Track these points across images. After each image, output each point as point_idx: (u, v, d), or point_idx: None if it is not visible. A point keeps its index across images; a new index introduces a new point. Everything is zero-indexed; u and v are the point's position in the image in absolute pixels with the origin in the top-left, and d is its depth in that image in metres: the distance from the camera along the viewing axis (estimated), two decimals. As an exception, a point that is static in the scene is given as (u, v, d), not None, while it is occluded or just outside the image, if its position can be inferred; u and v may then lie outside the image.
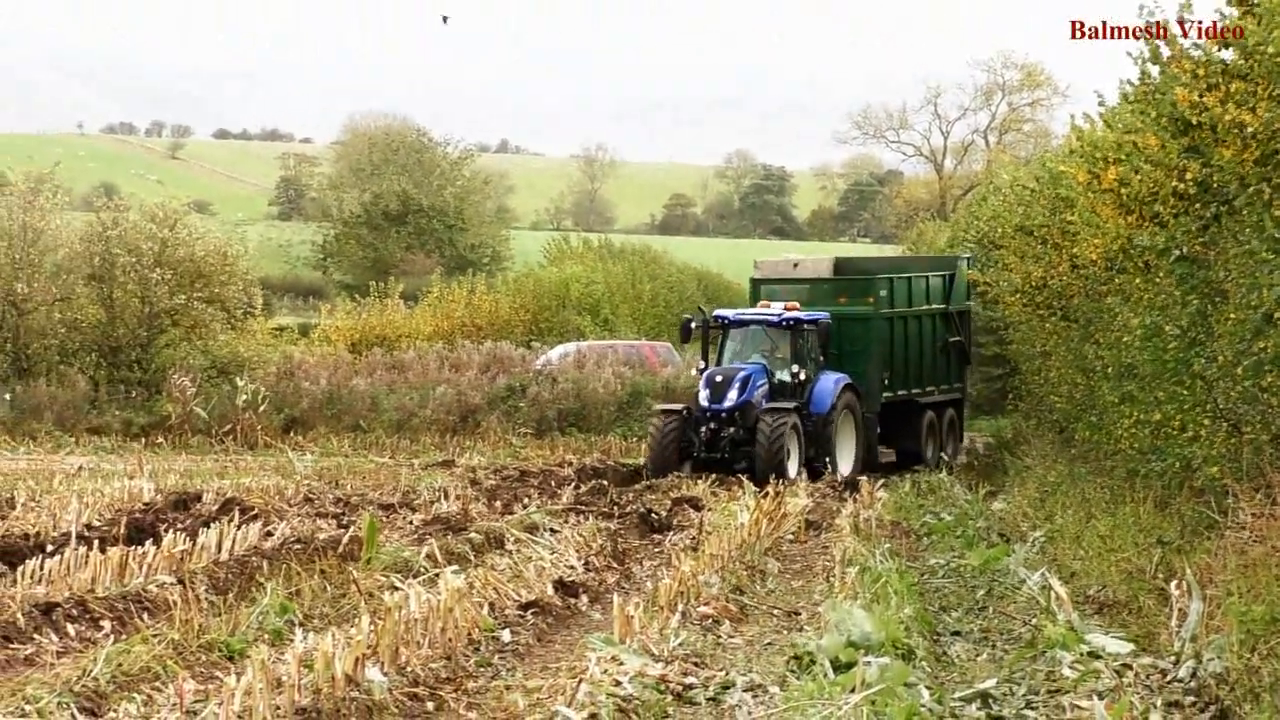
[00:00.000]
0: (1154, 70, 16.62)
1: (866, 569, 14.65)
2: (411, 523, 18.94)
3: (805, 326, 28.33)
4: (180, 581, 13.51)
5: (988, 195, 40.97)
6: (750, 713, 9.94)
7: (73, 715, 9.46)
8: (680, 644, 11.56)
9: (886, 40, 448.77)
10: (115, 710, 9.53)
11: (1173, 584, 11.95)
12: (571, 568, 15.71)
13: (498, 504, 21.41)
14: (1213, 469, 14.55)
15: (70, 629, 12.01)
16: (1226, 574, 11.68)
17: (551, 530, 18.33)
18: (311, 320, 54.51)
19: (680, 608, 12.78)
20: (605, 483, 25.07)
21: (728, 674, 10.93)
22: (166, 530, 16.00)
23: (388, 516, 19.54)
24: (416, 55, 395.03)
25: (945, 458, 31.08)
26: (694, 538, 18.21)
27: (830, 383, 28.25)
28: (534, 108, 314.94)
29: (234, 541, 15.43)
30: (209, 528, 15.83)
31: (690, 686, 10.56)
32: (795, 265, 33.37)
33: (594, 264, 53.67)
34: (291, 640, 11.05)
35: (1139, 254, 17.48)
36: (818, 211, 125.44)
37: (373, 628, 10.59)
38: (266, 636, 11.90)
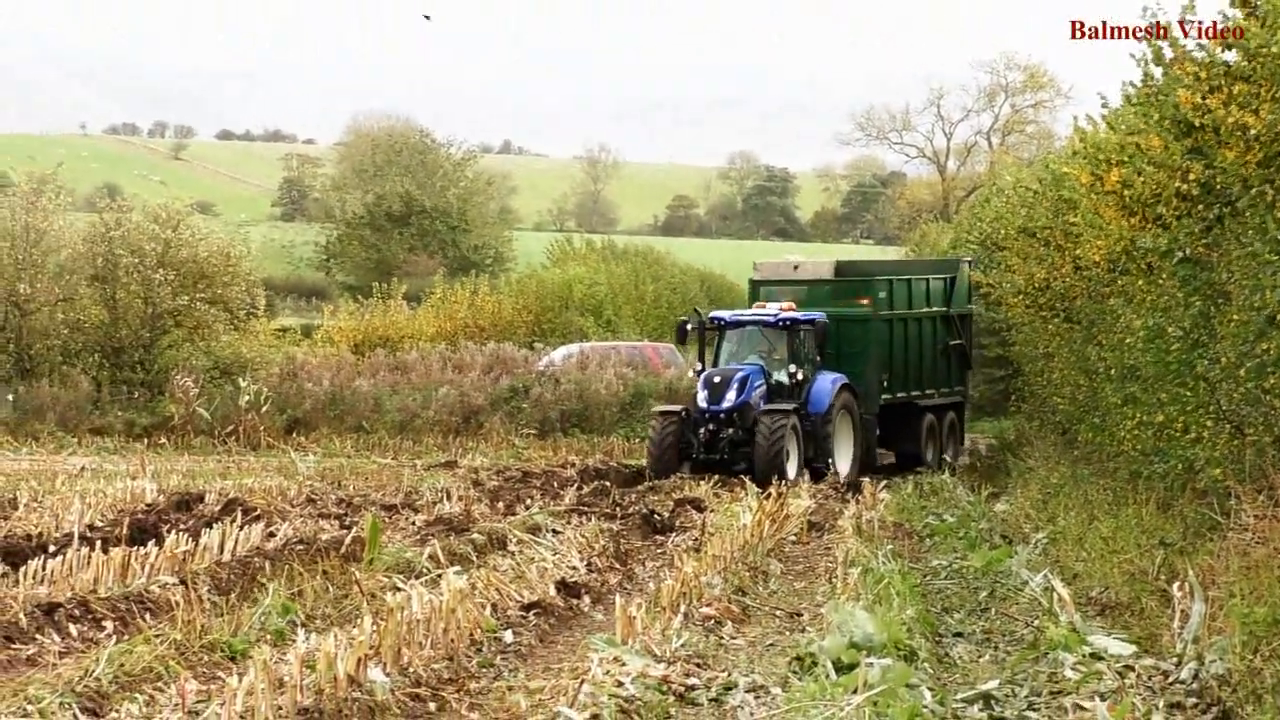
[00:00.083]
0: (1157, 72, 16.63)
1: (869, 570, 14.64)
2: (414, 523, 18.94)
3: (802, 327, 28.27)
4: (182, 582, 13.51)
5: (991, 197, 40.99)
6: (752, 714, 9.94)
7: (75, 715, 9.46)
8: (682, 645, 11.56)
9: (886, 40, 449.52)
10: (117, 710, 9.53)
11: (1175, 585, 11.95)
12: (574, 568, 15.71)
13: (500, 505, 21.41)
14: (1215, 471, 14.54)
15: (72, 629, 12.01)
16: (1229, 575, 11.68)
17: (554, 531, 18.34)
18: (314, 321, 54.60)
19: (683, 609, 12.78)
20: (608, 484, 25.06)
21: (730, 675, 10.93)
22: (169, 531, 16.02)
23: (390, 517, 19.55)
24: (416, 55, 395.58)
25: (947, 459, 31.07)
26: (696, 539, 18.22)
27: (828, 382, 28.20)
28: (534, 108, 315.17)
29: (236, 542, 15.43)
30: (211, 528, 15.85)
31: (692, 687, 10.56)
32: (795, 267, 33.35)
33: (597, 265, 53.69)
34: (294, 641, 11.05)
35: (1142, 255, 17.49)
36: (821, 213, 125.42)
37: (375, 628, 10.59)
38: (269, 637, 11.90)
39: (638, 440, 33.09)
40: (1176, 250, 15.73)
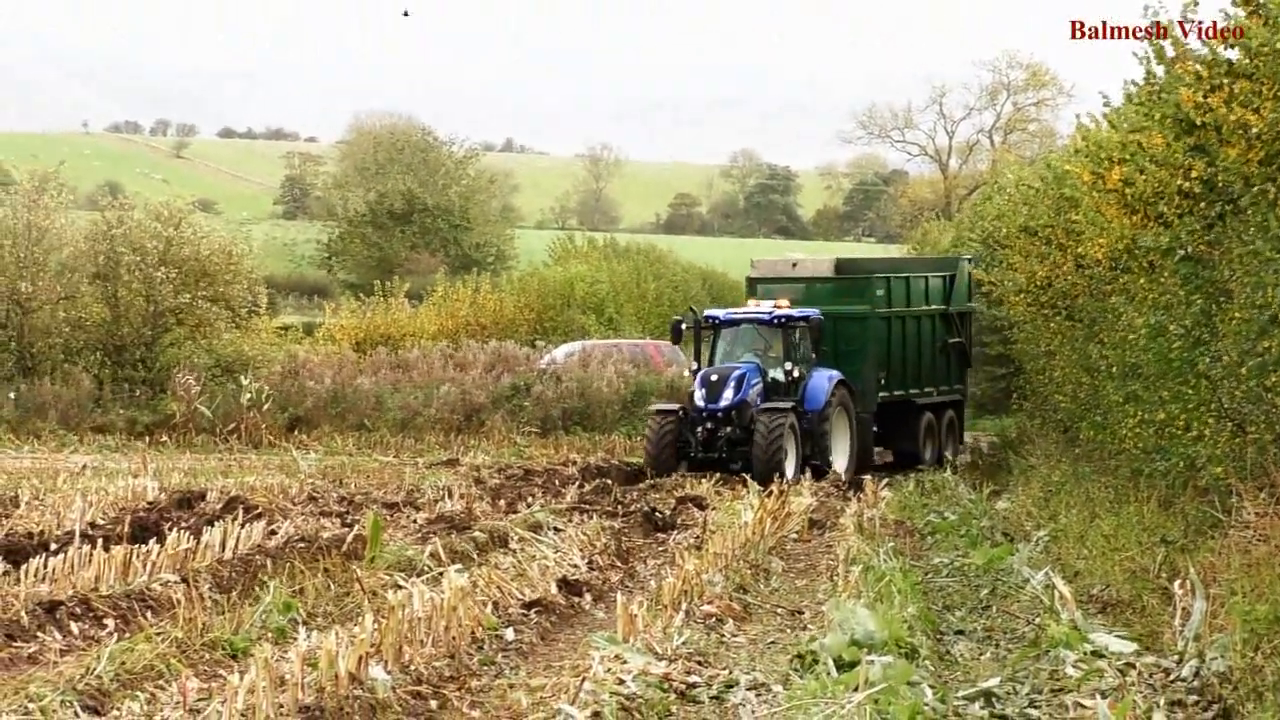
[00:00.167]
0: (1159, 70, 16.63)
1: (870, 568, 14.64)
2: (415, 521, 18.95)
3: (797, 324, 28.20)
4: (184, 580, 13.52)
5: (993, 195, 40.96)
6: (754, 711, 9.95)
7: (76, 713, 9.47)
8: (684, 642, 11.57)
9: (887, 40, 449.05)
10: (118, 708, 9.54)
11: (1176, 583, 11.95)
12: (575, 566, 15.72)
13: (502, 503, 21.41)
14: (1217, 468, 14.55)
15: (74, 627, 12.03)
16: (1230, 573, 11.69)
17: (555, 529, 18.34)
18: (316, 319, 54.55)
19: (684, 606, 12.79)
20: (609, 482, 25.06)
21: (731, 672, 10.94)
22: (170, 529, 16.02)
23: (392, 515, 19.57)
24: (416, 55, 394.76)
25: (947, 458, 31.04)
26: (698, 536, 18.23)
27: (824, 379, 28.10)
28: (534, 108, 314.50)
29: (238, 540, 15.44)
30: (213, 526, 15.85)
31: (694, 685, 10.56)
32: (794, 265, 33.31)
33: (599, 263, 53.68)
34: (295, 639, 11.06)
35: (1144, 254, 17.49)
36: (823, 211, 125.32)
37: (376, 626, 10.59)
38: (270, 635, 11.91)
39: (639, 438, 32.99)
40: (1178, 248, 15.74)
